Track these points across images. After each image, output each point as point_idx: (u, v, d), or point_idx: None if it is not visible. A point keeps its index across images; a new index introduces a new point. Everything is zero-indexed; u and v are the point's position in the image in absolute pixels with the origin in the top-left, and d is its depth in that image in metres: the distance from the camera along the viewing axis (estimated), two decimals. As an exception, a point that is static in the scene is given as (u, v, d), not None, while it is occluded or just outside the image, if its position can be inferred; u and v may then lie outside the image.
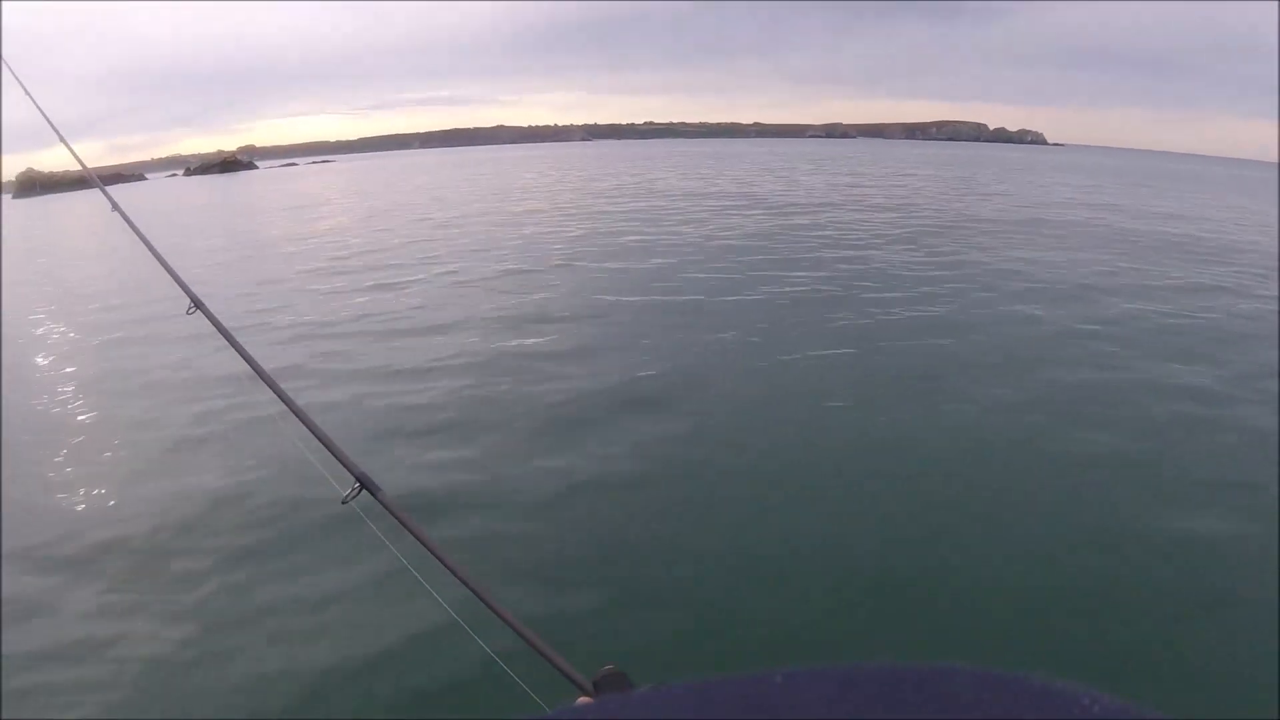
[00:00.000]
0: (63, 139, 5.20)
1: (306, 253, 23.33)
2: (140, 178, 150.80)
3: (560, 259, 18.31)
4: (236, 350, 2.90)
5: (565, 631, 4.71)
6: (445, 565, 1.96)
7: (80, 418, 9.48)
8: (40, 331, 15.38)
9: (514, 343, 11.30)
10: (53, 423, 9.32)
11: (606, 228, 24.11)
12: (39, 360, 12.75)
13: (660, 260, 17.53)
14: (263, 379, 2.77)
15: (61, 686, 4.55)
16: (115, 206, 4.19)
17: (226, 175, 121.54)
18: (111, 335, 14.20)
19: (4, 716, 3.68)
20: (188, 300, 3.30)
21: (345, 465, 2.29)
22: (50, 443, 8.58)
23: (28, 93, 5.37)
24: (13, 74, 5.43)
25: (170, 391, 9.98)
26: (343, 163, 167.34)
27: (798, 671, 0.44)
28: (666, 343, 11.09)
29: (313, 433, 2.46)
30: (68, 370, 11.97)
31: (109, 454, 8.10)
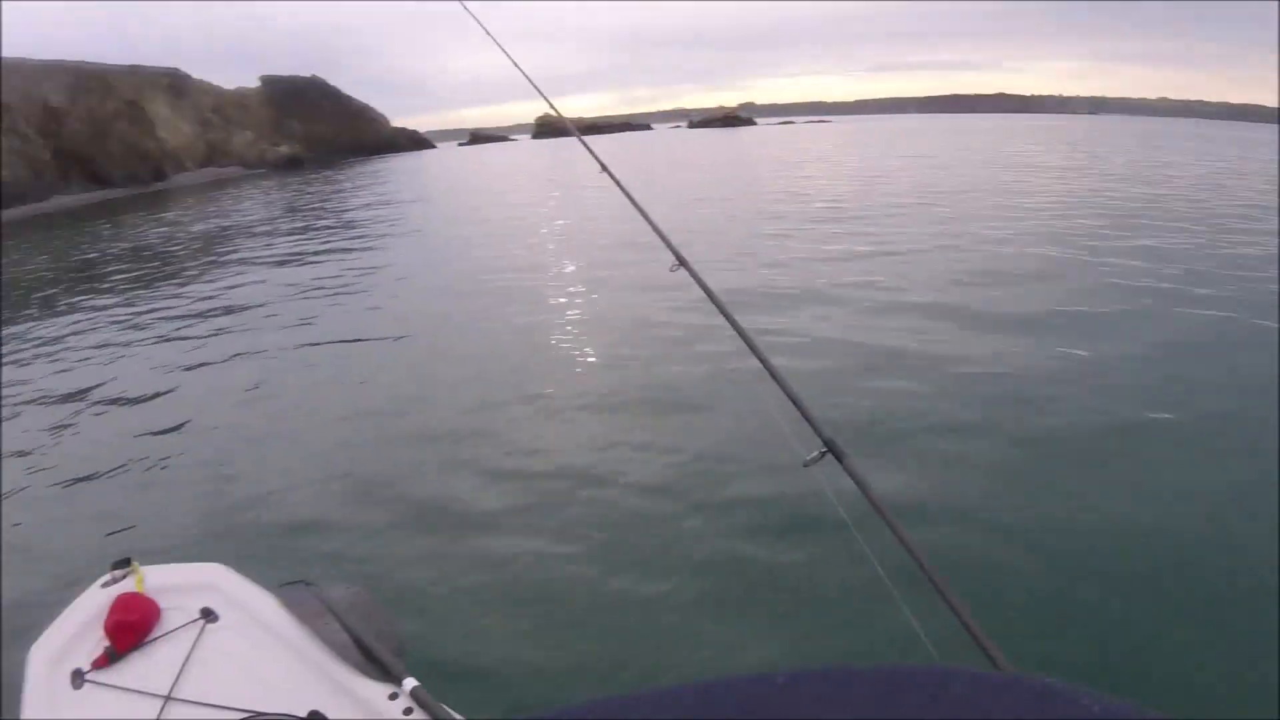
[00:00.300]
0: (542, 94, 5.66)
1: (795, 209, 22.26)
2: (646, 127, 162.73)
3: (1074, 248, 15.21)
4: (717, 306, 3.03)
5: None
6: (900, 539, 2.01)
7: (579, 357, 9.81)
8: (550, 264, 16.45)
9: (1027, 341, 9.26)
10: (549, 358, 9.76)
11: (1121, 210, 20.35)
12: (551, 299, 13.07)
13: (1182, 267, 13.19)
14: (740, 335, 2.88)
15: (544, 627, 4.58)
16: (605, 169, 4.53)
17: (726, 129, 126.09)
18: (602, 274, 14.60)
19: (4, 716, 3.45)
20: (672, 257, 3.44)
21: (814, 428, 2.37)
22: (539, 374, 8.98)
23: (503, 50, 5.93)
24: (487, 32, 6.02)
25: (653, 342, 10.01)
26: (837, 124, 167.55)
27: (799, 672, 0.45)
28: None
29: (785, 393, 2.56)
30: (564, 307, 12.46)
31: (588, 402, 8.08)
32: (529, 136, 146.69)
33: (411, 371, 9.47)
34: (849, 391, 7.70)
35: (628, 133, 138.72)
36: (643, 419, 7.47)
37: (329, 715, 2.13)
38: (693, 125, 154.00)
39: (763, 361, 2.68)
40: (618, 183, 4.22)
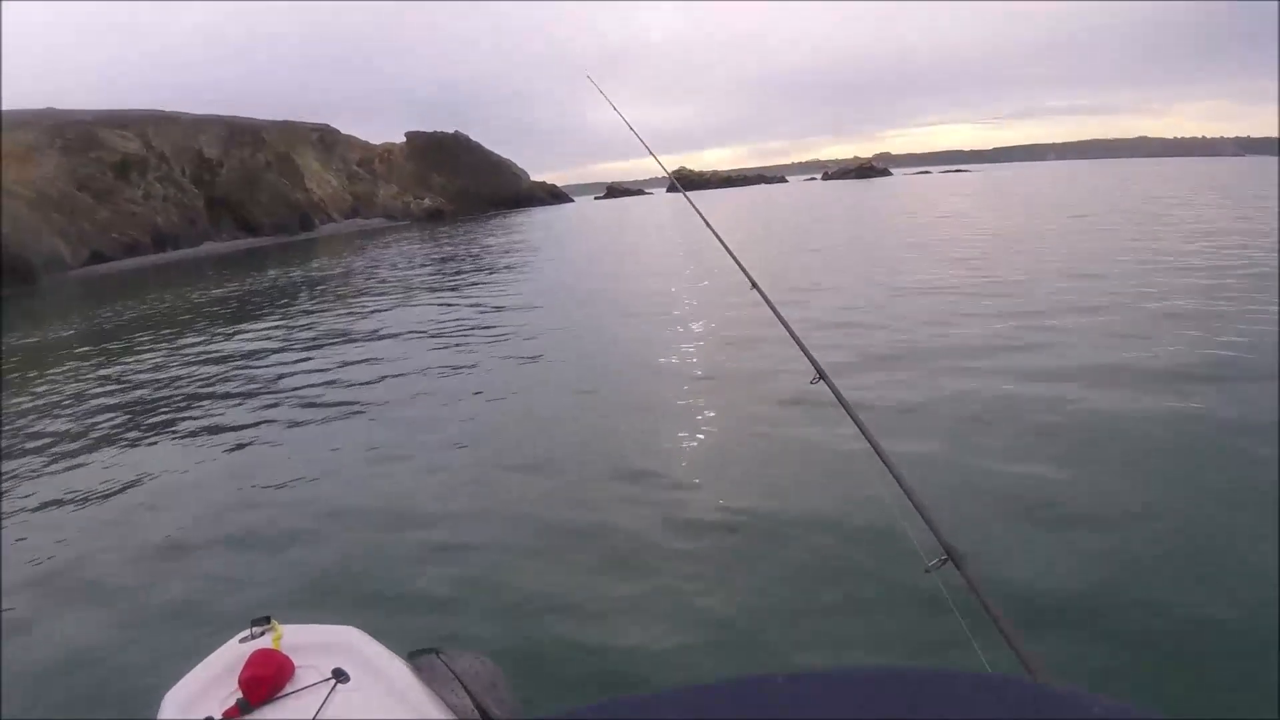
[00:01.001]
0: (650, 150, 6.21)
1: (925, 262, 20.29)
2: (781, 179, 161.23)
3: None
4: (844, 408, 2.96)
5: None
6: (1020, 659, 1.79)
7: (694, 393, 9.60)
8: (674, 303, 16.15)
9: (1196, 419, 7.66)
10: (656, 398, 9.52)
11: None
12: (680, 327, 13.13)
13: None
14: (854, 421, 2.80)
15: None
16: (699, 214, 4.84)
17: (861, 180, 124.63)
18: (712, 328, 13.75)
19: (4, 716, 3.54)
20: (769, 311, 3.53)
21: (935, 533, 2.26)
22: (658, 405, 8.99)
23: (614, 108, 6.38)
24: (600, 91, 6.65)
25: (769, 419, 8.71)
26: (975, 171, 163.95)
27: (799, 674, 0.46)
28: None
29: (901, 488, 2.46)
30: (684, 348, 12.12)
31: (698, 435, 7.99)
32: (664, 190, 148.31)
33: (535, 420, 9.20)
34: (977, 471, 6.79)
35: (761, 185, 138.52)
36: (756, 508, 6.66)
37: None
38: (827, 177, 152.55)
39: (882, 458, 2.60)
40: (712, 228, 4.39)
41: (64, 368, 17.81)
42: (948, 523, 2.31)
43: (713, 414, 8.94)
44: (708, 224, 4.86)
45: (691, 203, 5.37)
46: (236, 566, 6.29)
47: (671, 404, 9.29)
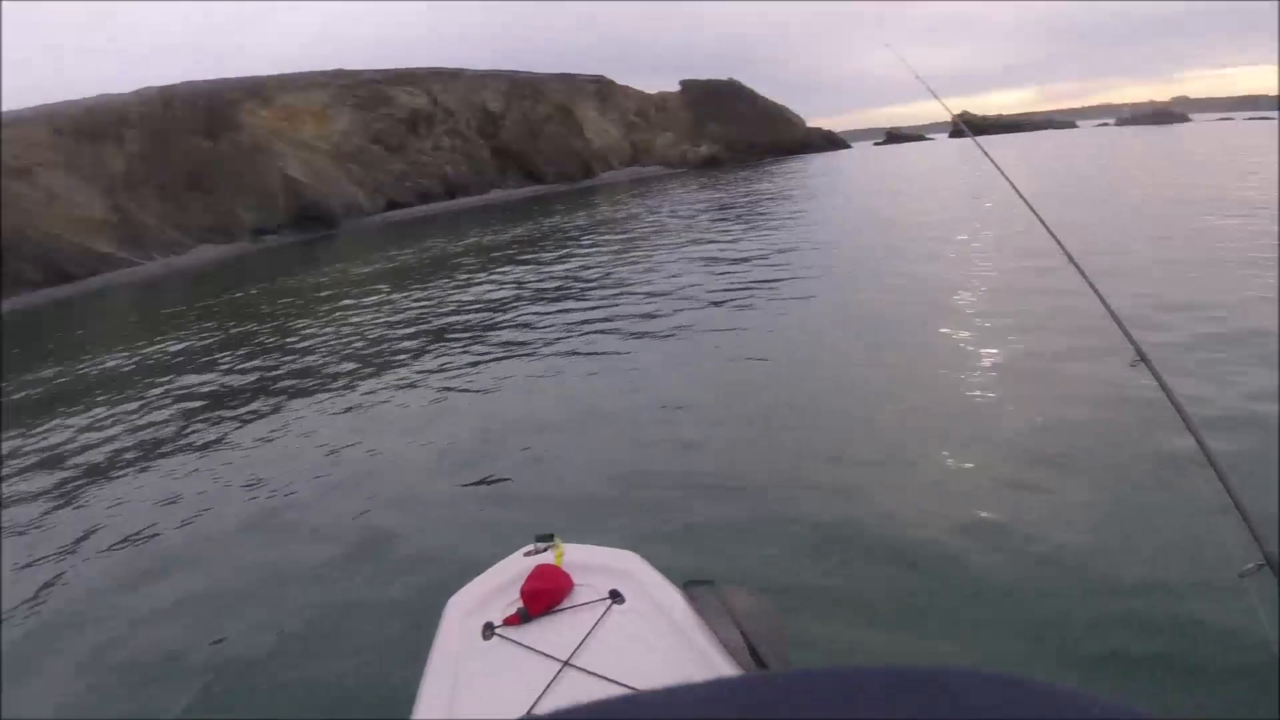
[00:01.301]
0: (933, 93, 5.70)
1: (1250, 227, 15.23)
2: (1071, 125, 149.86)
3: None
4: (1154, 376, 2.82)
5: None
6: None
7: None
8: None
9: None
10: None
11: None
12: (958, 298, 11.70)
13: None
14: (1174, 405, 2.65)
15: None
16: (998, 169, 4.25)
17: (1158, 127, 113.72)
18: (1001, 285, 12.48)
19: (4, 716, 3.50)
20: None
21: (1253, 534, 2.12)
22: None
23: (905, 63, 5.89)
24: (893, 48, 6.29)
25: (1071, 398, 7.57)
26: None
27: (800, 671, 0.45)
28: None
29: (1224, 485, 2.28)
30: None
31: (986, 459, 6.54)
32: (945, 135, 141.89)
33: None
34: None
35: (1049, 131, 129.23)
36: (1054, 490, 5.92)
37: None
38: (1121, 123, 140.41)
39: (1202, 447, 2.41)
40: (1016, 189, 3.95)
41: (366, 300, 19.85)
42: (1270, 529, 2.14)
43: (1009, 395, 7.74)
44: (1013, 187, 4.37)
45: (988, 155, 4.88)
46: (533, 483, 6.82)
47: (966, 381, 8.20)
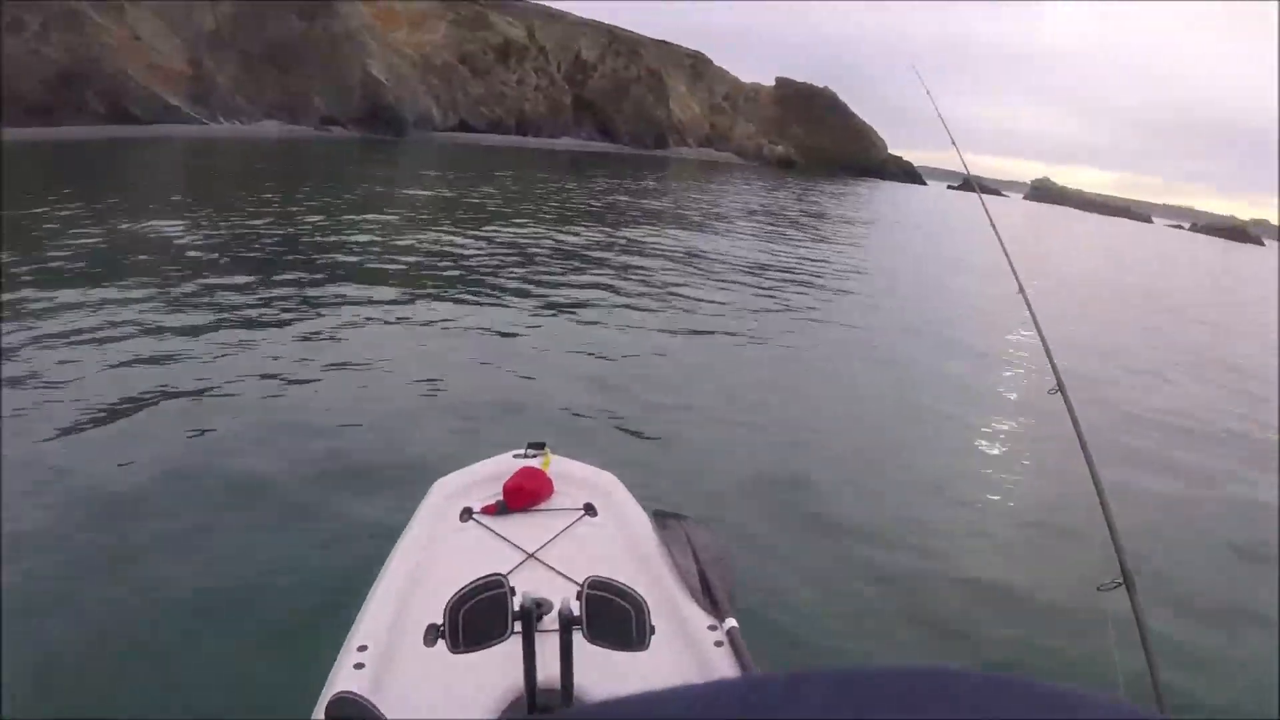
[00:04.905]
0: (962, 160, 6.00)
1: None
2: (1147, 219, 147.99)
3: None
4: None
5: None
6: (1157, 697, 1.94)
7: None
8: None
9: None
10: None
11: None
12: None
13: None
14: (1075, 429, 2.96)
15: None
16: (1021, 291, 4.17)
17: (1231, 243, 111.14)
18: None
19: (4, 716, 3.38)
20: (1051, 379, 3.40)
21: (1118, 552, 2.36)
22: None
23: (939, 114, 5.98)
24: (920, 79, 6.27)
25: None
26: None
27: (799, 674, 0.45)
28: None
29: (1102, 506, 2.54)
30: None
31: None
32: (1021, 196, 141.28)
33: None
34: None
35: (1124, 219, 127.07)
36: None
37: (651, 615, 2.13)
38: (1195, 229, 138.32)
39: (1092, 472, 2.70)
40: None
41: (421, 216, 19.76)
42: (1132, 548, 2.39)
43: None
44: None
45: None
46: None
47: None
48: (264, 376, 7.32)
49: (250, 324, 8.87)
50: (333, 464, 5.70)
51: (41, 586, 4.05)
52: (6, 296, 8.67)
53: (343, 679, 2.21)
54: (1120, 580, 2.26)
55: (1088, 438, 2.90)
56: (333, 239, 14.78)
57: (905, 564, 5.44)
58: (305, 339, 8.58)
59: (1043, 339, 3.63)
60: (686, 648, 2.46)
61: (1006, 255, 4.43)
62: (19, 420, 5.88)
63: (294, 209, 17.64)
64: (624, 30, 76.22)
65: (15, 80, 31.57)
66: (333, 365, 7.84)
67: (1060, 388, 3.34)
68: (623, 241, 18.34)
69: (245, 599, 4.09)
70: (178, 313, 9.02)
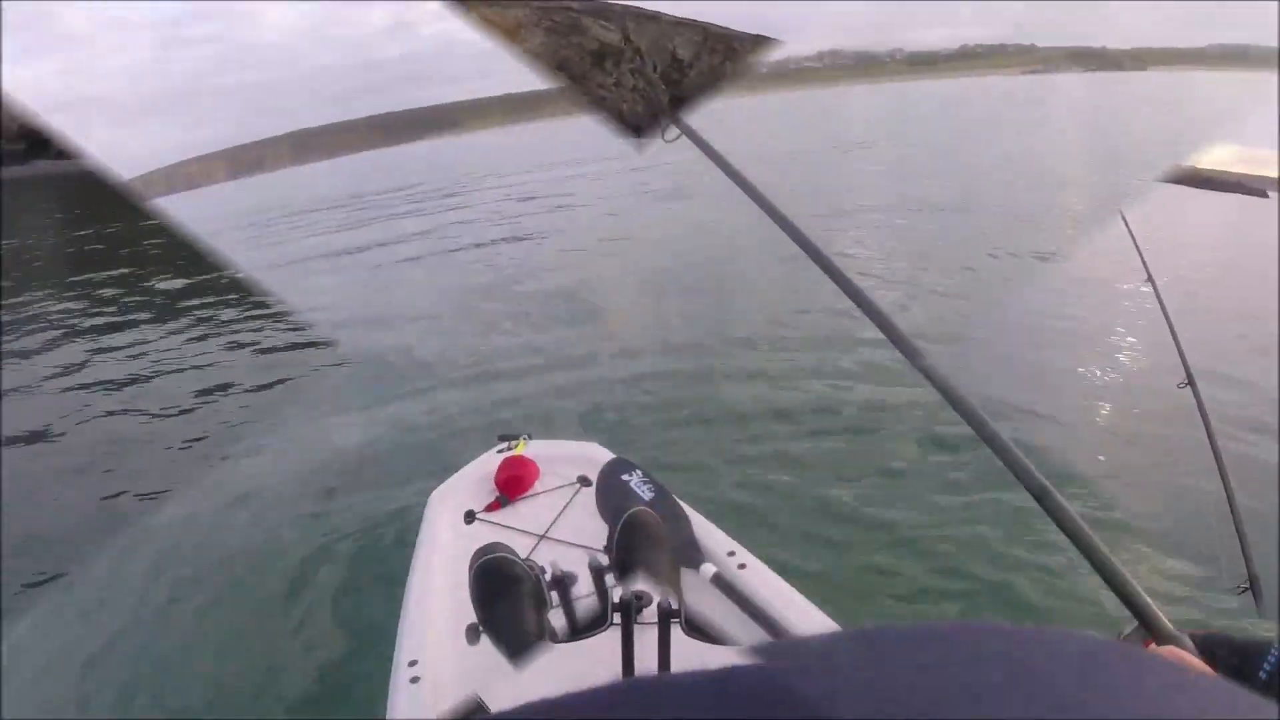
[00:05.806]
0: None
1: None
2: (1262, 194, 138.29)
3: None
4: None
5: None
6: None
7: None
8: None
9: None
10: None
11: None
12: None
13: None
14: (1205, 427, 2.89)
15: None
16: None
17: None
18: None
19: (4, 716, 3.67)
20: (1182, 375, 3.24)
21: (1245, 556, 2.18)
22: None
23: None
24: None
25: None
26: None
27: (814, 637, 0.45)
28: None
29: (1232, 512, 2.35)
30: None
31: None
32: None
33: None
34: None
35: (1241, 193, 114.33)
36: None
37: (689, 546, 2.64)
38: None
39: (1222, 476, 2.54)
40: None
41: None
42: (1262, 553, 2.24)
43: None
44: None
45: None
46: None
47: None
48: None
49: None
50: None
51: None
52: None
53: (404, 699, 2.30)
54: (1246, 585, 2.14)
55: (1217, 437, 2.78)
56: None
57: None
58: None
59: (1173, 331, 3.48)
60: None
61: (1136, 245, 4.08)
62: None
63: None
64: (719, 27, 76.85)
65: None
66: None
67: (1190, 382, 3.21)
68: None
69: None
70: None
